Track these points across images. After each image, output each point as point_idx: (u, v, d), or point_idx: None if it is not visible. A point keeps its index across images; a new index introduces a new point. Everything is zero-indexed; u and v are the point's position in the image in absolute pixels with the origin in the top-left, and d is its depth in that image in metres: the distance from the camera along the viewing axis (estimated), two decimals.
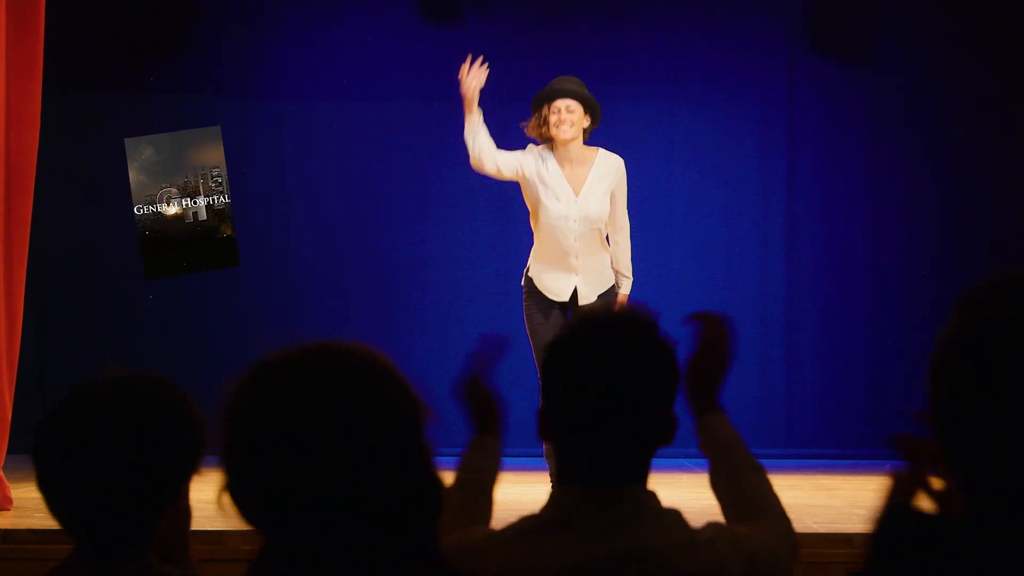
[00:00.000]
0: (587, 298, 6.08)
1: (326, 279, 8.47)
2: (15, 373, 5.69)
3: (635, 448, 1.88)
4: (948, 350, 1.33)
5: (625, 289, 6.25)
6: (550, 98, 6.09)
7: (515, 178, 6.16)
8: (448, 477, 1.62)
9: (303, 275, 8.48)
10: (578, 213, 6.04)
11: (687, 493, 6.22)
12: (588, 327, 1.90)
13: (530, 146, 6.16)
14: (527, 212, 6.29)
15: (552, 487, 1.88)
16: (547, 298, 6.08)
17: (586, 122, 6.12)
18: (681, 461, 7.14)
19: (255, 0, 8.48)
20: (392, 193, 8.48)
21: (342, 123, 8.49)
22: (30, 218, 5.74)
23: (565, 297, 6.07)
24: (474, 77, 6.03)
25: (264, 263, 8.44)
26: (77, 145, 8.43)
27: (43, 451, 1.83)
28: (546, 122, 6.08)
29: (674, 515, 1.91)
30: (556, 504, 1.88)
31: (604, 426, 1.85)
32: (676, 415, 1.91)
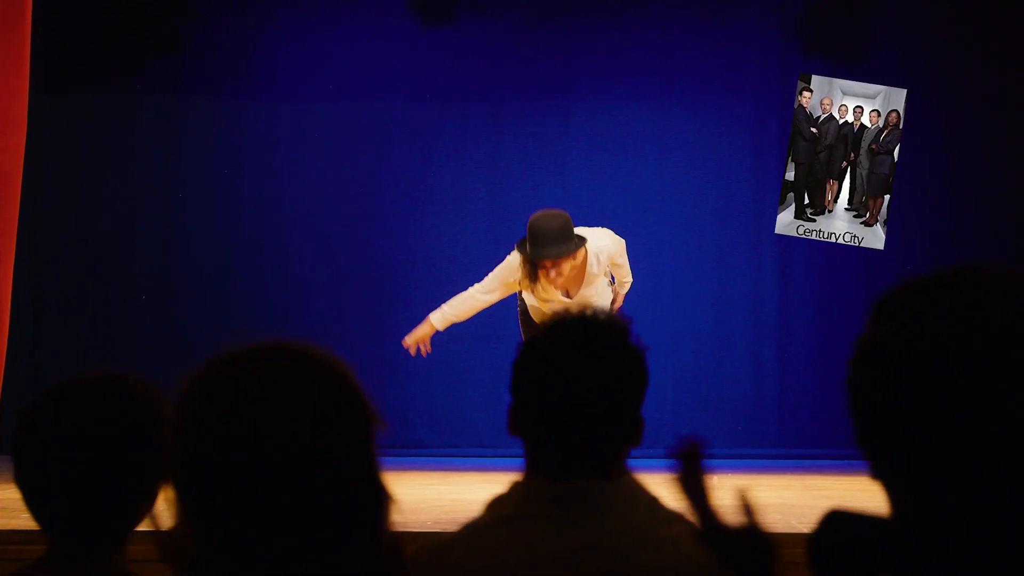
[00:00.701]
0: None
1: (318, 278, 8.46)
2: (1, 372, 5.64)
3: (601, 446, 1.92)
4: (863, 356, 1.34)
5: (619, 287, 6.25)
6: (537, 260, 5.84)
7: (502, 294, 6.13)
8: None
9: (295, 274, 8.46)
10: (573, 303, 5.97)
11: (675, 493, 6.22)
12: (560, 327, 1.95)
13: (515, 254, 5.99)
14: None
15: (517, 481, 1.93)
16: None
17: (575, 260, 5.91)
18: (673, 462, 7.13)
19: (248, 1, 8.46)
20: (384, 193, 8.46)
21: (334, 123, 8.47)
22: (16, 221, 5.68)
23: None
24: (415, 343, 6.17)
25: (256, 262, 8.43)
26: (71, 145, 8.41)
27: (20, 447, 1.83)
28: (536, 268, 5.87)
29: (644, 511, 1.93)
30: (522, 498, 1.92)
31: (571, 424, 1.89)
32: (642, 417, 1.95)
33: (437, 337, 8.36)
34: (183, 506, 1.47)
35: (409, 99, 8.39)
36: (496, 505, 1.96)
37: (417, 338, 6.20)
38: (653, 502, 1.95)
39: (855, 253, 8.45)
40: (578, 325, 1.95)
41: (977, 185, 8.33)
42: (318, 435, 1.47)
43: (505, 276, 6.03)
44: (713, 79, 8.42)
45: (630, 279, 6.26)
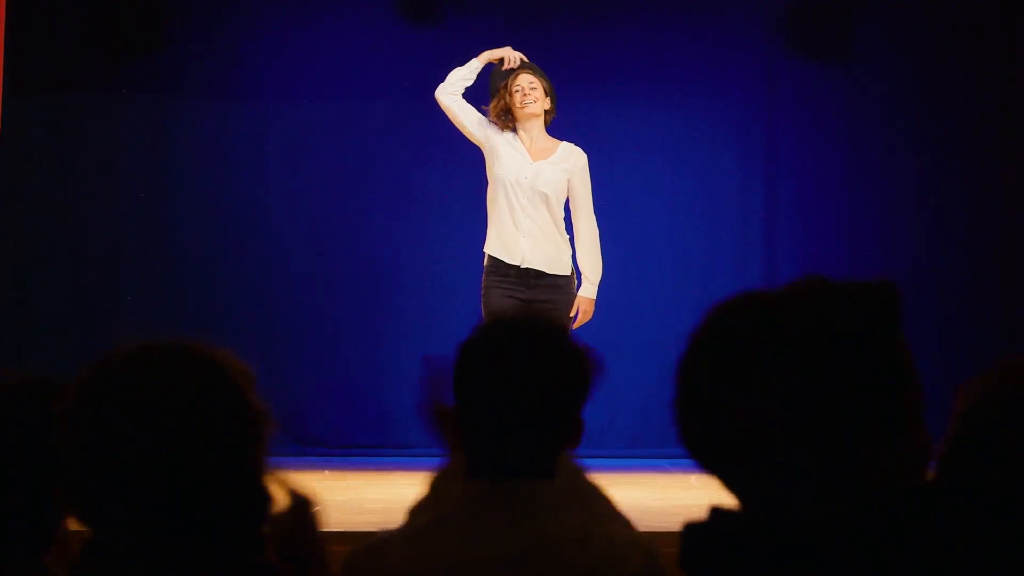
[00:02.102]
0: (533, 263, 6.01)
1: (306, 279, 8.46)
2: None
3: (540, 447, 1.95)
4: (690, 362, 1.41)
5: (586, 291, 6.10)
6: (510, 81, 6.10)
7: (474, 127, 6.15)
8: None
9: (282, 274, 8.46)
10: (532, 173, 6.03)
11: (655, 492, 6.25)
12: (498, 329, 1.99)
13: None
14: None
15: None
16: (505, 273, 6.01)
17: (547, 103, 6.13)
18: (658, 462, 7.15)
19: (233, 0, 8.47)
20: (371, 193, 8.47)
21: (321, 123, 8.47)
22: None
23: (516, 258, 6.01)
24: (510, 58, 6.16)
25: (243, 262, 8.43)
26: (56, 144, 8.41)
27: None
28: (511, 95, 6.08)
29: (582, 510, 1.98)
30: (462, 498, 1.95)
31: (510, 425, 1.92)
32: (582, 419, 1.98)
33: (427, 338, 8.39)
34: (71, 503, 1.49)
35: (395, 98, 8.40)
36: (419, 511, 2.02)
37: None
38: (593, 501, 2.00)
39: (842, 254, 8.48)
40: (516, 327, 1.99)
41: (964, 182, 8.35)
42: (194, 435, 1.48)
43: (484, 120, 6.15)
44: (698, 80, 8.44)
45: (593, 279, 6.10)
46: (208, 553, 1.49)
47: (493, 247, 6.07)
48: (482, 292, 6.09)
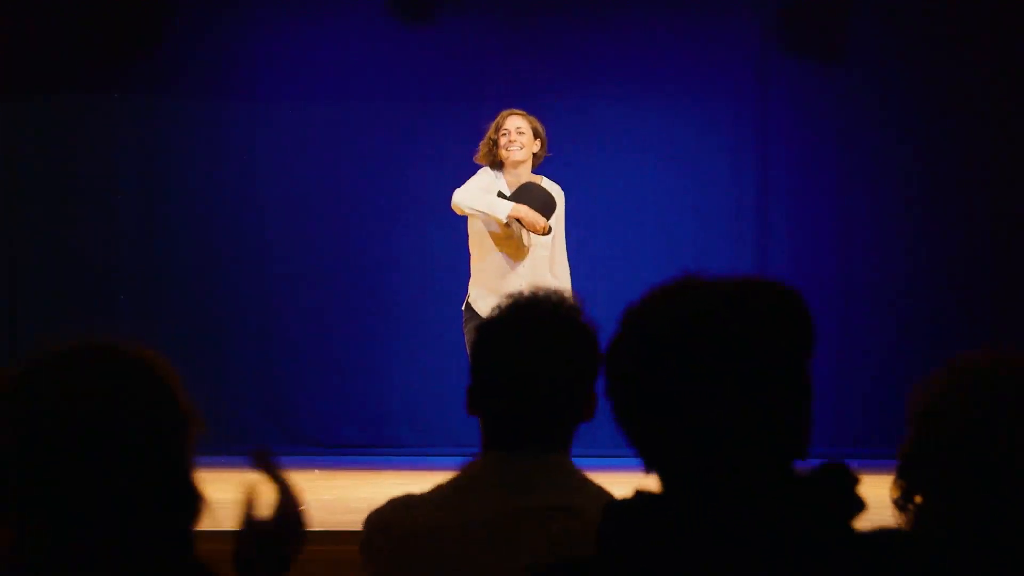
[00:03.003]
0: None
1: (299, 279, 8.46)
2: None
3: (554, 421, 2.03)
4: (614, 360, 1.46)
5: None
6: (499, 122, 6.08)
7: None
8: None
9: (275, 275, 8.46)
10: (524, 230, 6.00)
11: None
12: (515, 308, 2.05)
13: (484, 168, 6.16)
14: None
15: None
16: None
17: (536, 147, 6.11)
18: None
19: (226, 1, 8.46)
20: (365, 193, 8.47)
21: (314, 123, 8.47)
22: None
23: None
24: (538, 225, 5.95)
25: (237, 262, 8.43)
26: (50, 145, 8.40)
27: None
28: (496, 144, 6.07)
29: (593, 484, 2.05)
30: (473, 467, 2.05)
31: (526, 400, 2.00)
32: (596, 393, 2.03)
33: (419, 338, 8.40)
34: None
35: (389, 99, 8.39)
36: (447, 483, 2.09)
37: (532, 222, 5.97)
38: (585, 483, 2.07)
39: (835, 253, 8.49)
40: (533, 305, 2.05)
41: (956, 182, 8.36)
42: (117, 435, 1.47)
43: (480, 177, 6.09)
44: (691, 80, 8.44)
45: (568, 276, 6.16)
46: (135, 555, 1.48)
47: (479, 306, 6.00)
48: (465, 339, 6.01)
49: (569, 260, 6.27)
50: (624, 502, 1.43)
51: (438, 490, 2.06)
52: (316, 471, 7.11)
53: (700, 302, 1.43)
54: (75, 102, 8.39)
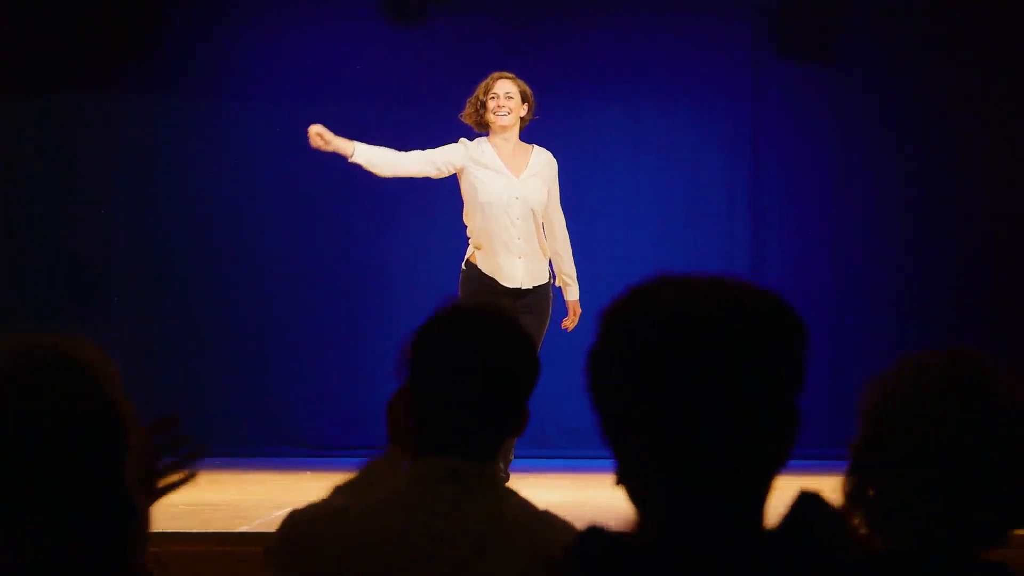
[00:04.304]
0: (525, 283, 6.04)
1: (293, 280, 8.46)
2: None
3: (485, 431, 2.04)
4: (594, 362, 1.41)
5: (573, 295, 6.24)
6: (489, 84, 6.09)
7: (445, 172, 6.15)
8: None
9: (270, 276, 8.46)
10: (520, 192, 6.04)
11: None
12: (453, 313, 2.10)
13: (462, 140, 6.17)
14: None
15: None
16: (487, 286, 6.00)
17: (523, 111, 6.12)
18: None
19: (222, 3, 8.46)
20: (359, 196, 8.45)
21: (309, 124, 8.45)
22: None
23: (517, 281, 6.02)
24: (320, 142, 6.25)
25: (231, 263, 8.42)
26: (46, 146, 8.40)
27: None
28: (484, 107, 6.07)
29: (514, 493, 2.06)
30: (407, 477, 2.05)
31: (458, 407, 2.01)
32: (528, 408, 2.06)
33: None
34: None
35: (384, 100, 8.39)
36: (346, 491, 2.12)
37: (328, 139, 6.31)
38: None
39: (829, 253, 8.50)
40: (470, 314, 2.10)
41: (949, 182, 8.37)
42: (43, 435, 1.42)
43: (453, 149, 6.12)
44: (684, 81, 8.44)
45: (575, 280, 6.22)
46: (66, 560, 1.43)
47: (489, 265, 6.05)
48: (461, 293, 6.09)
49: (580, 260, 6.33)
50: (597, 532, 1.37)
51: (364, 503, 2.03)
52: (308, 472, 7.11)
53: (688, 304, 1.37)
54: (72, 103, 8.39)
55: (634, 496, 1.37)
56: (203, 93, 8.43)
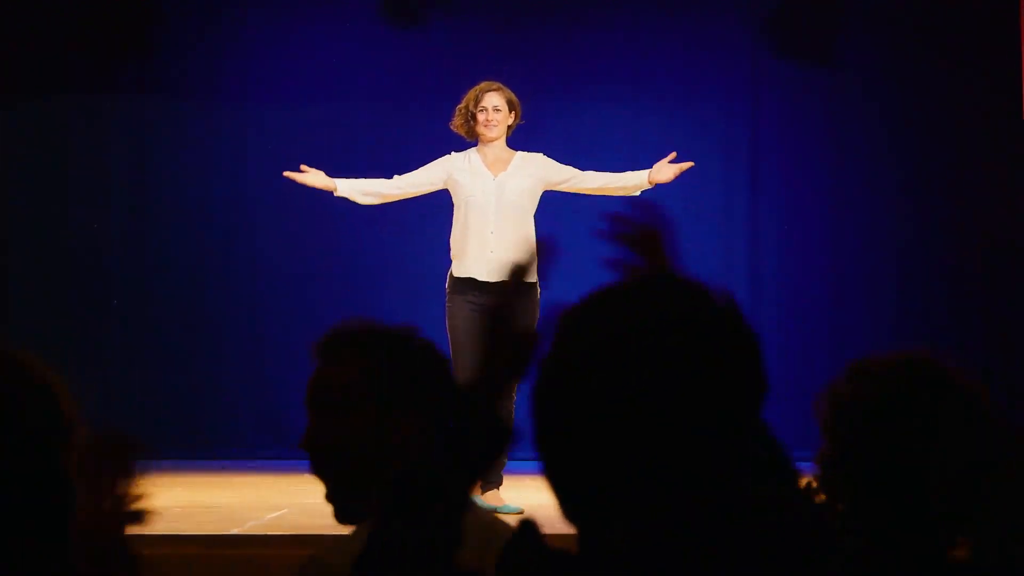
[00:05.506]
0: (502, 275, 6.02)
1: (289, 280, 8.45)
2: None
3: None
4: (547, 369, 1.35)
5: (642, 174, 6.53)
6: (478, 96, 6.18)
7: (429, 190, 6.28)
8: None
9: (267, 276, 8.45)
10: (496, 189, 6.08)
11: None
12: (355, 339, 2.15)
13: (449, 155, 6.26)
14: None
15: None
16: (465, 294, 6.02)
17: (511, 119, 6.21)
18: None
19: (218, 3, 8.45)
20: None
21: (304, 125, 8.46)
22: None
23: (480, 272, 6.02)
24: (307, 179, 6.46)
25: (227, 265, 8.42)
26: (41, 148, 8.39)
27: None
28: (474, 119, 6.15)
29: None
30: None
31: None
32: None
33: None
34: None
35: (380, 102, 8.39)
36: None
37: (308, 178, 6.56)
38: None
39: (826, 255, 8.49)
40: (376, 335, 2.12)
41: (946, 182, 8.36)
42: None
43: (436, 163, 6.24)
44: (682, 82, 8.43)
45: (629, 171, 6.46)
46: (6, 563, 1.43)
47: (458, 269, 6.11)
48: (447, 312, 6.13)
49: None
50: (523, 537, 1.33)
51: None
52: (306, 475, 7.08)
53: (628, 319, 1.32)
54: (67, 104, 8.37)
55: (566, 507, 1.32)
56: (199, 94, 8.42)
